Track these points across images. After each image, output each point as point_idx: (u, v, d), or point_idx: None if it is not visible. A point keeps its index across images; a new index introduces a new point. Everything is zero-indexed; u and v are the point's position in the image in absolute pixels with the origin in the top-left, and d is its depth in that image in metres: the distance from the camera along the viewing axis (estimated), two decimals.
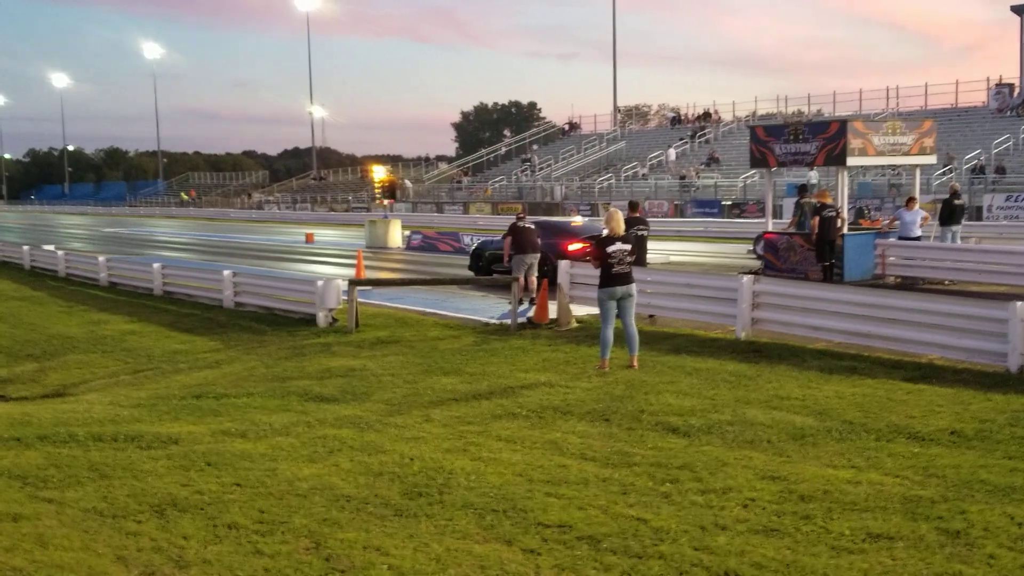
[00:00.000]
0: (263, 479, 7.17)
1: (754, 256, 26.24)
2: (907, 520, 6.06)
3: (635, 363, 11.41)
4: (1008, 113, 46.84)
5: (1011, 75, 50.15)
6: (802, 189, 22.76)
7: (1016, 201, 35.01)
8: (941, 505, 6.32)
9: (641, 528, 5.96)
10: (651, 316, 14.81)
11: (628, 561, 5.46)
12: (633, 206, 18.43)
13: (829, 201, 19.12)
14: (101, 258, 25.55)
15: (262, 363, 13.40)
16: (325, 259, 31.96)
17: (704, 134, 60.29)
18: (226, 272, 19.90)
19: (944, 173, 38.49)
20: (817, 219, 18.47)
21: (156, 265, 22.80)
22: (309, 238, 41.59)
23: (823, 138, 19.18)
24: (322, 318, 16.42)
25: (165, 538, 5.93)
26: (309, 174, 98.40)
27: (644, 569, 5.34)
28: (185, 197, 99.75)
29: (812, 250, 18.80)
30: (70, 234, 55.01)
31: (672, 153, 58.05)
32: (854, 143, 18.83)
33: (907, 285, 18.25)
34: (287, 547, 5.75)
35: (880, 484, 6.80)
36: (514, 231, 18.25)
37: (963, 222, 22.59)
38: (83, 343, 16.39)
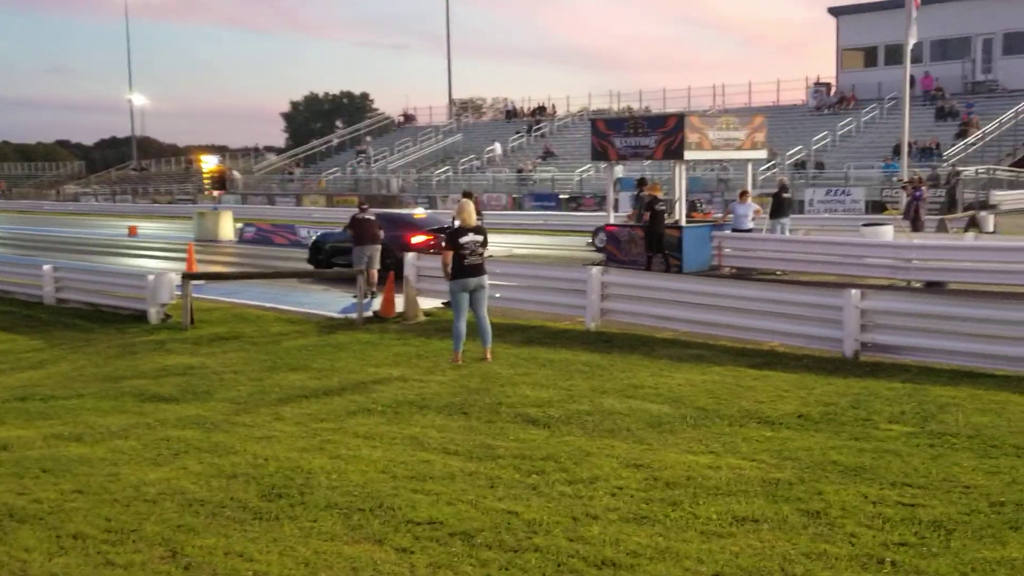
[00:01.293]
0: (106, 485, 6.72)
1: (593, 248, 26.69)
2: (769, 503, 6.17)
3: (489, 355, 11.33)
4: (826, 111, 49.20)
5: (828, 74, 52.78)
6: (641, 182, 23.22)
7: (835, 195, 36.78)
8: (799, 487, 6.47)
9: (513, 521, 5.86)
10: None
11: (504, 556, 5.34)
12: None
13: (660, 195, 19.69)
14: None
15: (91, 362, 12.70)
16: (152, 253, 30.65)
17: (540, 128, 60.92)
18: (46, 266, 18.82)
19: (769, 168, 40.06)
20: (649, 212, 19.03)
21: None
22: (132, 231, 39.80)
23: (662, 132, 19.61)
24: (154, 314, 15.69)
25: (4, 551, 5.47)
26: (129, 164, 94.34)
27: (521, 563, 5.24)
28: None
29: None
30: None
31: (498, 147, 58.39)
32: (691, 137, 19.32)
33: (742, 275, 18.85)
34: (141, 556, 5.38)
35: (739, 468, 6.92)
36: (354, 222, 17.93)
37: (790, 215, 23.53)
38: None
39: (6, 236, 41.76)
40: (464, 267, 11.21)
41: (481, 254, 11.32)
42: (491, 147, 58.69)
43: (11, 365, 13.00)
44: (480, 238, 11.31)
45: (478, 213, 17.54)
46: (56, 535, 5.74)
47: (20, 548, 5.53)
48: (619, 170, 33.78)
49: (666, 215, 19.56)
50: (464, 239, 11.19)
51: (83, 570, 5.22)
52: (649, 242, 19.11)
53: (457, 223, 11.45)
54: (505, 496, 6.36)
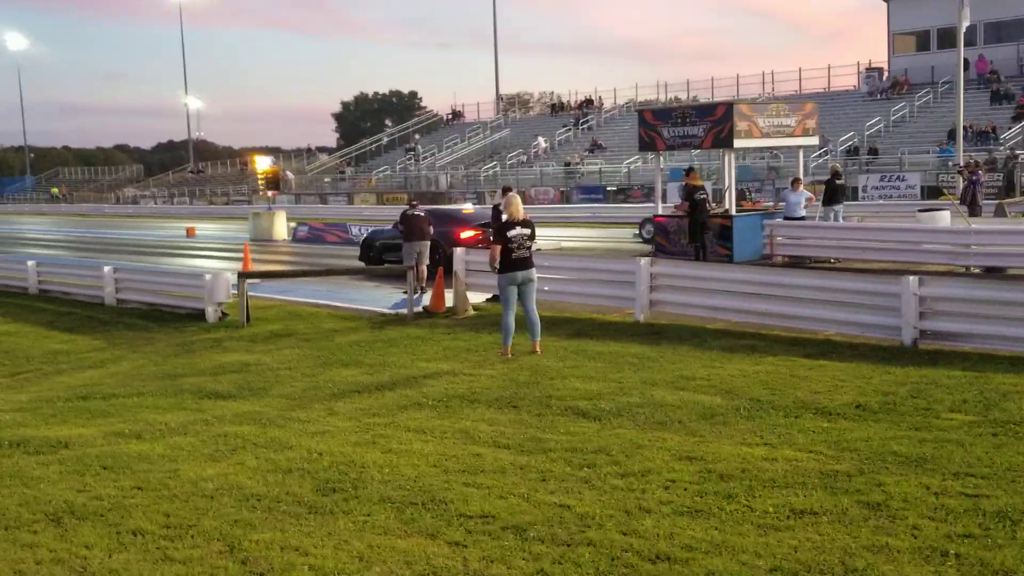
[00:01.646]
0: (165, 481, 6.81)
1: (640, 240, 26.54)
2: (828, 495, 6.08)
3: (538, 348, 11.31)
4: (878, 96, 48.41)
5: (879, 59, 51.91)
6: (689, 172, 23.04)
7: (889, 181, 36.20)
8: (858, 479, 6.37)
9: (566, 515, 5.83)
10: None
11: (557, 549, 5.32)
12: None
13: (699, 183, 19.56)
14: None
15: (150, 361, 12.88)
16: (209, 253, 31.08)
17: (587, 121, 60.71)
18: (106, 268, 19.10)
19: (820, 155, 39.56)
20: (687, 202, 19.06)
21: (31, 263, 21.75)
22: (190, 232, 40.41)
23: (710, 120, 19.44)
24: (211, 313, 15.87)
25: (65, 548, 5.56)
26: (186, 167, 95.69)
27: (574, 557, 5.21)
28: (56, 192, 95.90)
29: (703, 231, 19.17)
30: None
31: (542, 141, 58.23)
32: (740, 125, 19.14)
33: (795, 264, 18.64)
34: (199, 552, 5.44)
35: (796, 460, 6.83)
36: (404, 219, 18.01)
37: (843, 202, 23.21)
38: None
39: (68, 239, 42.57)
40: (512, 261, 11.19)
41: (529, 247, 11.30)
42: (535, 142, 58.58)
43: (73, 365, 13.23)
44: (528, 231, 11.28)
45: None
46: (116, 531, 5.82)
47: (80, 544, 5.62)
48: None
49: (709, 204, 19.49)
50: (512, 233, 11.17)
51: (142, 566, 5.28)
52: (692, 232, 19.04)
53: (505, 217, 11.43)
54: (557, 489, 6.33)
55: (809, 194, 20.85)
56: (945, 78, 43.68)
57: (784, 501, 5.98)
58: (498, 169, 56.46)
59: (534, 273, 11.43)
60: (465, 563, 5.21)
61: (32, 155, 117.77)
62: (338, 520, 5.90)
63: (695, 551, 5.25)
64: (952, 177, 32.35)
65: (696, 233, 19.07)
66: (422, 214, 18.19)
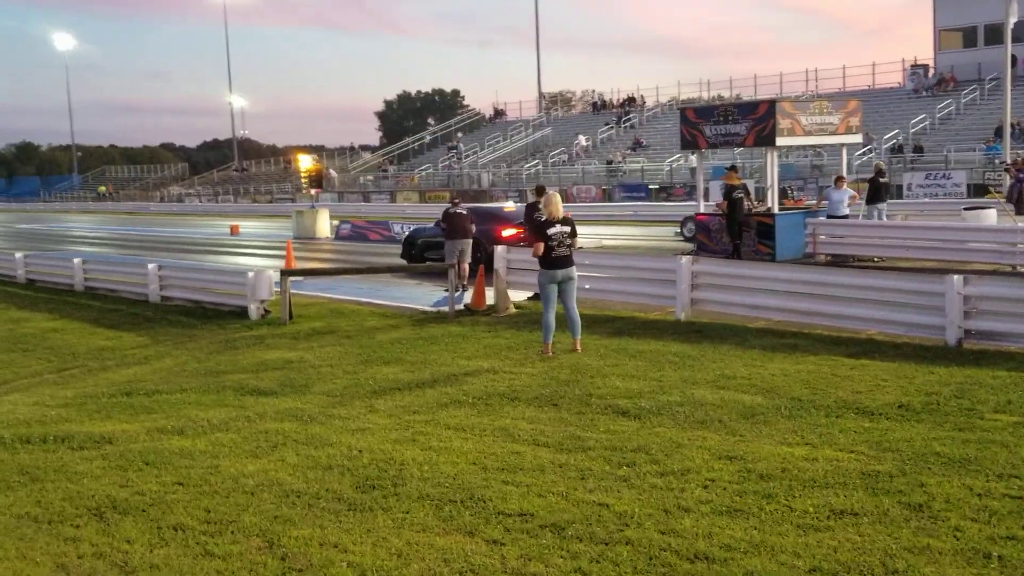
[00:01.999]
0: (206, 477, 6.88)
1: (682, 238, 26.42)
2: (869, 495, 6.02)
3: (578, 347, 11.29)
4: (924, 93, 47.79)
5: (925, 56, 51.26)
6: (732, 170, 22.90)
7: (934, 179, 35.73)
8: (900, 479, 6.30)
9: (604, 513, 5.82)
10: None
11: (595, 548, 5.31)
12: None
13: (737, 183, 19.47)
14: (18, 254, 24.63)
15: (193, 357, 13.01)
16: (252, 251, 31.37)
17: (629, 119, 60.52)
18: (151, 265, 19.33)
19: (864, 153, 39.13)
20: (726, 201, 19.15)
21: (77, 260, 22.07)
22: (234, 230, 40.79)
23: (752, 118, 19.30)
24: (254, 310, 16.00)
25: (107, 543, 5.64)
26: (230, 165, 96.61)
27: (612, 555, 5.20)
28: (103, 190, 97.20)
29: (744, 229, 19.07)
30: None
31: (582, 140, 58.13)
32: (783, 123, 18.98)
33: (838, 263, 18.45)
34: (239, 547, 5.49)
35: (836, 460, 6.76)
36: (447, 217, 18.05)
37: (887, 200, 22.94)
38: (2, 343, 15.72)
39: (113, 237, 43.16)
40: (552, 259, 11.19)
41: (569, 245, 11.28)
42: (576, 140, 58.50)
43: (117, 361, 13.39)
44: (567, 229, 11.26)
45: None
46: (157, 526, 5.89)
47: (122, 539, 5.70)
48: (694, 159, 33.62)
49: (751, 203, 19.48)
50: (552, 231, 11.16)
51: (183, 561, 5.35)
52: (729, 230, 19.01)
53: (544, 216, 11.43)
54: (596, 488, 6.32)
55: (852, 192, 20.62)
56: (992, 75, 43.01)
57: (824, 501, 5.93)
58: (540, 167, 56.45)
59: (574, 272, 11.42)
60: (503, 561, 5.21)
61: (79, 154, 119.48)
62: (377, 517, 5.93)
63: (734, 551, 5.22)
64: (999, 175, 31.88)
65: (734, 231, 19.01)
66: (465, 212, 18.21)
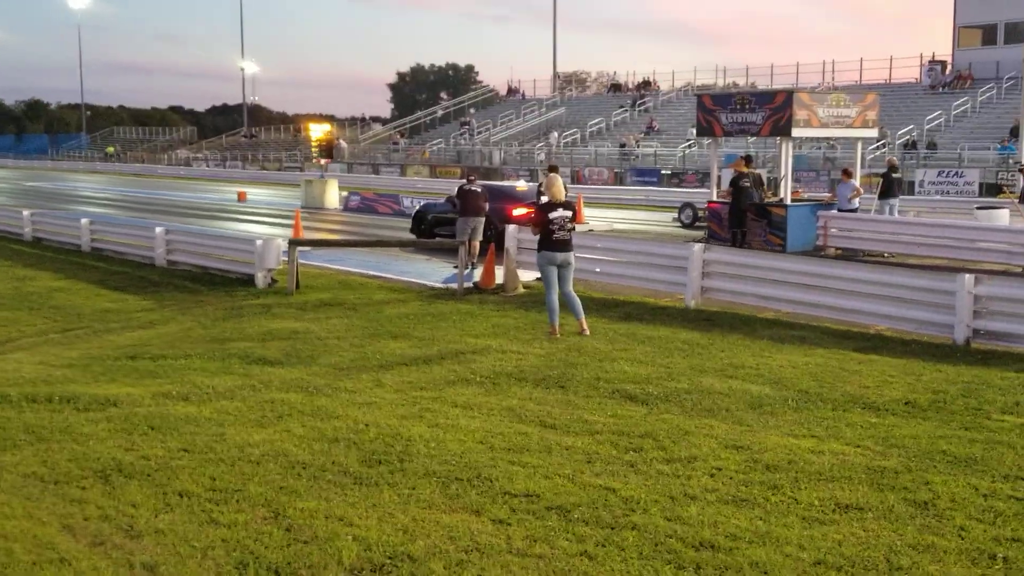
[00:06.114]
0: (211, 445, 6.88)
1: (679, 224, 26.35)
2: (874, 491, 6.01)
3: (585, 329, 11.28)
4: (940, 89, 47.51)
5: (943, 52, 50.93)
6: (747, 160, 22.82)
7: (947, 176, 35.52)
8: (905, 476, 6.29)
9: (611, 498, 5.82)
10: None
11: (601, 532, 5.31)
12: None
13: (745, 171, 19.38)
14: (25, 212, 24.66)
15: (199, 324, 13.00)
16: (259, 218, 31.31)
17: (644, 103, 60.23)
18: (158, 229, 19.32)
19: (877, 148, 38.94)
20: (731, 188, 19.18)
21: (84, 220, 22.07)
22: (242, 196, 40.69)
23: (769, 108, 19.21)
24: (261, 278, 15.99)
25: (112, 506, 5.65)
26: (239, 131, 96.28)
27: (618, 540, 5.20)
28: (111, 151, 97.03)
29: (756, 220, 19.00)
30: None
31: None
32: (799, 114, 18.90)
33: (847, 256, 18.40)
34: (244, 516, 5.50)
35: (842, 454, 6.75)
36: (461, 194, 17.99)
37: (899, 196, 22.84)
38: (7, 300, 15.75)
39: (120, 199, 43.12)
40: (552, 242, 11.18)
41: (570, 229, 11.26)
42: (602, 120, 58.05)
43: (122, 324, 13.39)
44: (569, 213, 11.25)
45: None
46: (162, 492, 5.90)
47: (127, 503, 5.70)
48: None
49: (764, 191, 19.42)
50: (554, 214, 11.14)
51: (187, 527, 5.35)
52: (733, 218, 18.92)
53: (546, 198, 11.39)
54: (602, 472, 6.32)
55: (856, 185, 20.45)
56: (1010, 73, 42.72)
57: (830, 495, 5.92)
58: (552, 147, 56.21)
59: (572, 257, 11.42)
60: (509, 541, 5.21)
61: (88, 113, 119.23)
62: (383, 492, 5.93)
63: (739, 540, 5.21)
64: (1012, 175, 31.70)
65: (735, 219, 18.95)
66: (479, 190, 18.13)
